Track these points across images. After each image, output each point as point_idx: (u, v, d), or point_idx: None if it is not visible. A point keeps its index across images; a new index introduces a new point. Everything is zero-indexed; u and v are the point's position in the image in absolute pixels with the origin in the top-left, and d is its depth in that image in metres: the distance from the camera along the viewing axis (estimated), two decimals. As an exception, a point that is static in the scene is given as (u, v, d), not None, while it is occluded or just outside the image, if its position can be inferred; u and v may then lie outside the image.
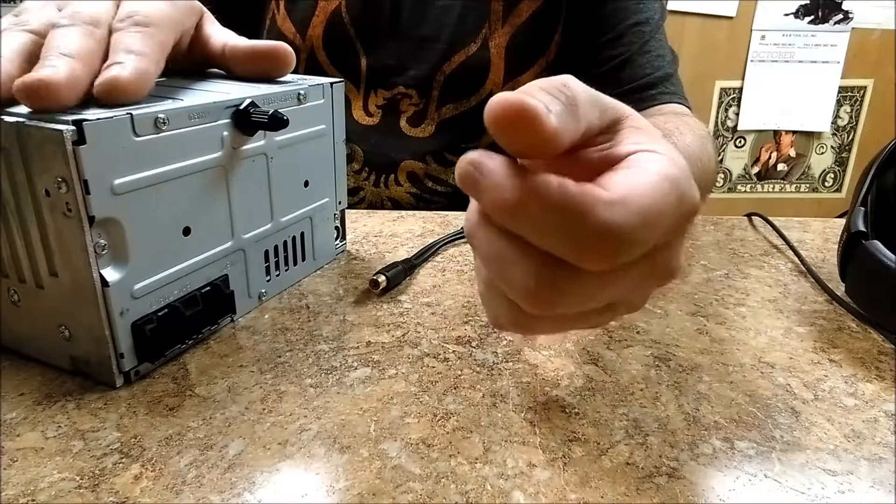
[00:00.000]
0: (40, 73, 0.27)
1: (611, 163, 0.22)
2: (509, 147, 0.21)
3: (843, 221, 0.42)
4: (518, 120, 0.19)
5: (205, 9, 0.38)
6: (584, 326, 0.26)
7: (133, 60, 0.29)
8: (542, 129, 0.19)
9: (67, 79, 0.27)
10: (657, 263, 0.23)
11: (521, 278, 0.22)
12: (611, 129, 0.24)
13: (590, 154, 0.23)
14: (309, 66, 0.68)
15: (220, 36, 0.38)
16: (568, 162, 0.24)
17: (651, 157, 0.22)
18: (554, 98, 0.21)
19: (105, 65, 0.29)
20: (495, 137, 0.20)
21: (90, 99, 0.29)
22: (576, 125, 0.21)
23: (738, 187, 1.91)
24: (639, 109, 0.63)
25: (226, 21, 0.40)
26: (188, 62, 0.38)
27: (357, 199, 0.71)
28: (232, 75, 0.39)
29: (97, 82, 0.29)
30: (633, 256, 0.20)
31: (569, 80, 0.22)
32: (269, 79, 0.39)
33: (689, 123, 0.58)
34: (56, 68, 0.27)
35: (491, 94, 0.77)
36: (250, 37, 0.39)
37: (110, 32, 0.31)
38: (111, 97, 0.29)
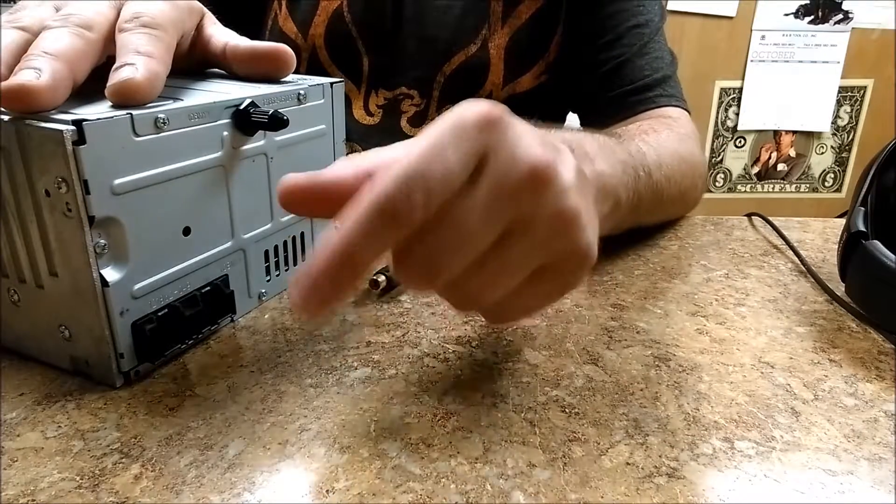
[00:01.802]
0: (21, 77, 0.27)
1: None
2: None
3: (843, 221, 0.42)
4: (305, 194, 0.25)
5: (205, 9, 0.38)
6: (539, 299, 0.29)
7: (144, 62, 0.29)
8: (325, 195, 0.25)
9: (49, 83, 0.27)
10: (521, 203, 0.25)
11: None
12: None
13: None
14: (311, 65, 0.68)
15: (222, 36, 0.38)
16: None
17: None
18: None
19: (115, 66, 0.29)
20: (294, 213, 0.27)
21: (91, 98, 0.29)
22: (365, 174, 0.25)
23: (738, 187, 1.91)
24: (635, 112, 0.63)
25: (227, 21, 0.40)
26: (189, 62, 0.38)
27: None
28: (233, 75, 0.39)
29: (109, 84, 0.29)
30: (437, 195, 0.23)
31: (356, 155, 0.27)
32: (270, 80, 0.39)
33: (670, 125, 0.58)
34: (38, 71, 0.27)
35: (490, 95, 0.77)
36: (252, 37, 0.39)
37: (112, 37, 0.31)
38: (124, 99, 0.29)
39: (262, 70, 0.38)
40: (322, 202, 0.26)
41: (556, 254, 0.26)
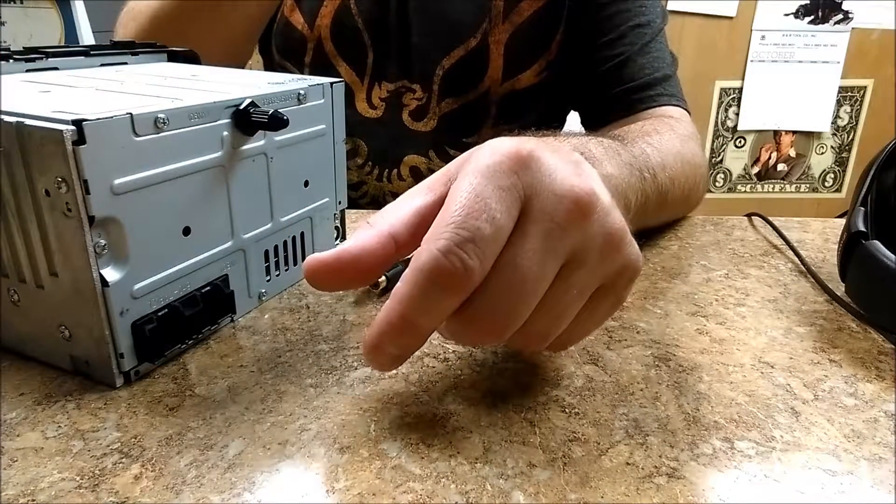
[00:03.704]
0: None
1: None
2: (337, 287, 0.27)
3: (843, 221, 0.42)
4: (335, 270, 0.25)
5: None
6: (598, 319, 0.29)
7: None
8: (356, 268, 0.25)
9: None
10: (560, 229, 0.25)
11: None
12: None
13: None
14: (316, 56, 0.67)
15: None
16: None
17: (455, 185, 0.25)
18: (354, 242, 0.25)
19: None
20: (324, 289, 0.27)
21: (88, 97, 0.29)
22: (389, 236, 0.25)
23: (738, 187, 1.91)
24: (636, 110, 0.63)
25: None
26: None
27: (360, 193, 0.71)
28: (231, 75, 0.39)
29: None
30: (486, 230, 0.23)
31: (371, 218, 0.26)
32: None
33: (672, 125, 0.58)
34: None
35: (489, 91, 0.77)
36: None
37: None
38: None
39: None
40: (352, 275, 0.25)
41: (611, 274, 0.27)
